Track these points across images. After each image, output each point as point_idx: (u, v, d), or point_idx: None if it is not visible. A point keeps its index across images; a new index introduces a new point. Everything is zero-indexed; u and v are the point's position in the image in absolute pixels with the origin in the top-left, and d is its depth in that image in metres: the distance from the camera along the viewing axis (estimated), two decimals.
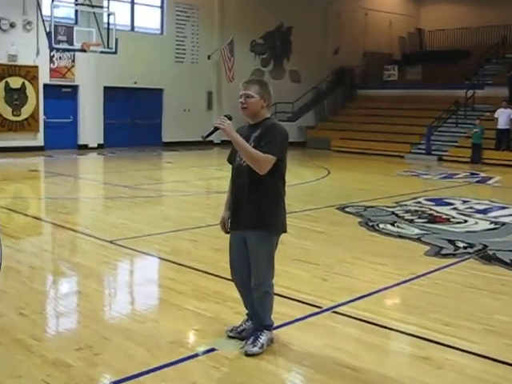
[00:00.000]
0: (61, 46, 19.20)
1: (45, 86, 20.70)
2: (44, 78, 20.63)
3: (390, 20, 31.25)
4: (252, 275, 4.30)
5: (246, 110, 4.21)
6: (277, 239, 4.33)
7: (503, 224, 9.28)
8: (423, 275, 6.41)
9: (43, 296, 5.64)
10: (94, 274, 6.33)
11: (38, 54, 20.33)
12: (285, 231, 4.35)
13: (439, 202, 11.36)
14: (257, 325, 4.41)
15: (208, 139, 4.25)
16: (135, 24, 23.11)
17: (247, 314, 4.58)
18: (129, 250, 7.28)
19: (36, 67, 20.37)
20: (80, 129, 21.91)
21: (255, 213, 4.18)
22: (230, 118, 4.13)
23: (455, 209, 10.59)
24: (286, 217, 4.34)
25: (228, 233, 4.44)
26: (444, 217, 9.81)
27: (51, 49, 19.40)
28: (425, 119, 22.73)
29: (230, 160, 4.43)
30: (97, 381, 3.91)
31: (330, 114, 27.87)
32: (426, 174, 16.97)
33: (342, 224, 9.16)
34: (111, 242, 7.62)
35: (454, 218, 9.72)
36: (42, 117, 20.75)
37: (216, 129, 4.10)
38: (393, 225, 9.01)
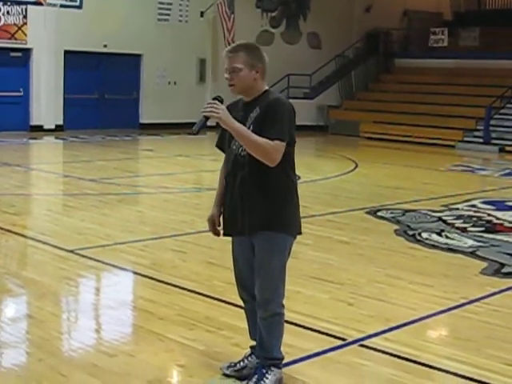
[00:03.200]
0: None
1: None
2: None
3: None
4: (257, 290, 4.32)
5: (235, 88, 4.28)
6: (291, 244, 4.37)
7: None
8: (479, 300, 6.39)
9: None
10: (50, 292, 6.32)
11: None
12: (300, 233, 4.41)
13: (500, 205, 11.36)
14: (262, 358, 4.41)
15: (194, 134, 4.24)
16: None
17: (252, 347, 4.59)
18: (95, 263, 7.27)
19: None
20: (33, 105, 21.92)
21: (264, 210, 4.23)
22: (221, 101, 4.15)
23: None
24: (299, 214, 4.40)
25: (218, 235, 4.47)
26: (507, 225, 9.79)
27: None
28: (483, 98, 22.71)
29: (222, 145, 4.48)
30: None
31: (359, 90, 27.88)
32: (483, 170, 16.97)
33: (374, 232, 9.17)
34: (72, 251, 7.62)
35: None
36: None
37: (207, 118, 4.12)
38: (440, 234, 9.00)
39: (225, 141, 4.41)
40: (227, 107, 4.19)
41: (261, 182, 4.21)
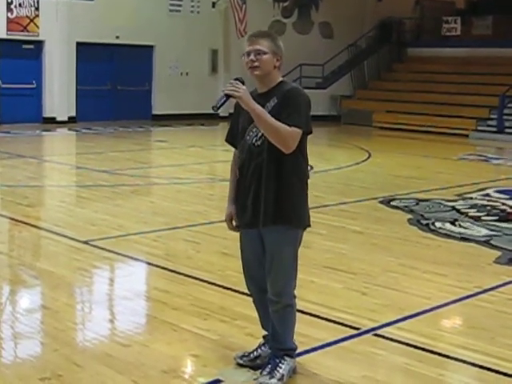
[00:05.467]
0: None
1: (0, 41, 20.78)
2: None
3: None
4: (269, 283, 4.32)
5: (258, 70, 4.22)
6: (301, 236, 4.38)
7: None
8: (493, 289, 6.37)
9: None
10: (64, 283, 6.35)
11: None
12: (309, 225, 4.40)
13: None
14: (275, 350, 4.42)
15: (214, 112, 4.25)
16: None
17: (264, 337, 4.60)
18: (109, 253, 7.30)
19: None
20: (46, 97, 21.99)
21: (276, 203, 4.21)
22: (242, 83, 4.14)
23: None
24: (308, 206, 4.41)
25: (238, 230, 4.48)
26: None
27: None
28: (496, 87, 22.57)
29: (232, 140, 4.47)
30: None
31: (371, 79, 27.80)
32: (497, 159, 16.90)
33: (387, 222, 9.15)
34: (86, 242, 7.65)
35: None
36: None
37: (228, 97, 4.11)
38: (453, 223, 8.98)
39: (235, 134, 4.40)
40: None
41: (276, 171, 4.20)
